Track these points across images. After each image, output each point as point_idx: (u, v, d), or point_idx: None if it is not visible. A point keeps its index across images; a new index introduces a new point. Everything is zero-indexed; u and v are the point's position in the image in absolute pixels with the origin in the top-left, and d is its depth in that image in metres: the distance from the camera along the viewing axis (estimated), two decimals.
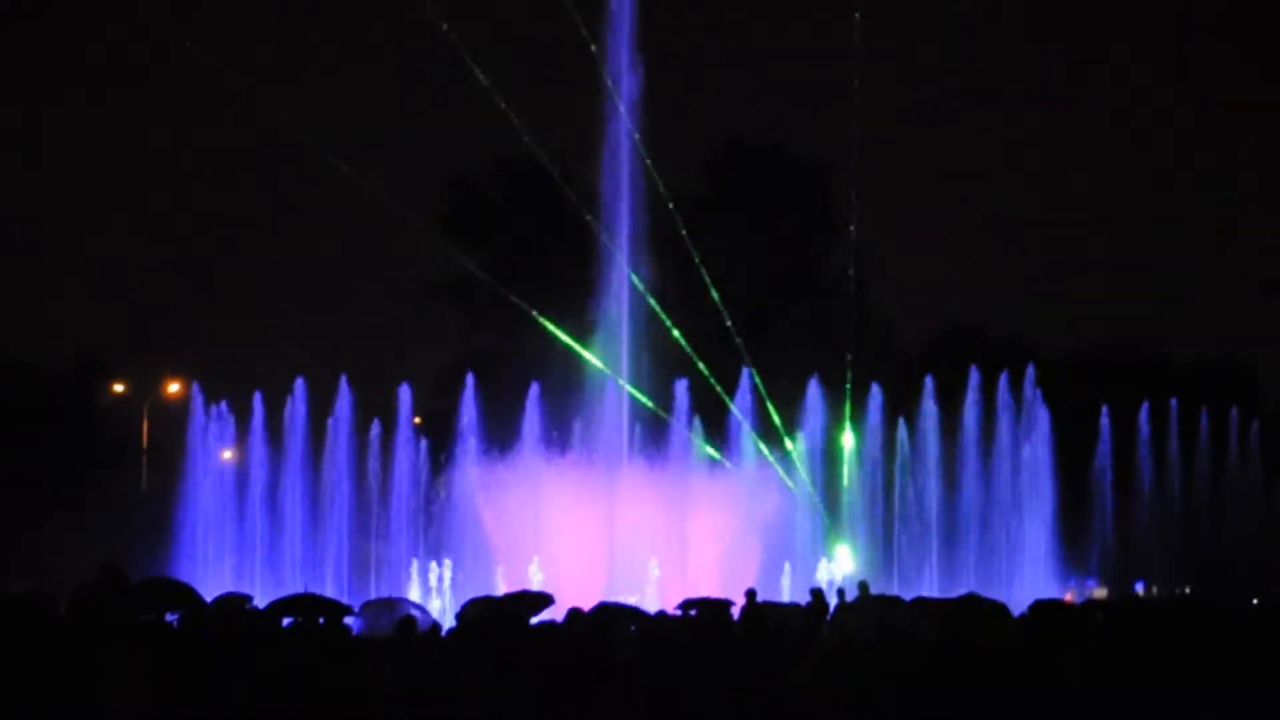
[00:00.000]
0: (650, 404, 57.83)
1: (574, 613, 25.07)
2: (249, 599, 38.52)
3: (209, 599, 35.30)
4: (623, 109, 58.45)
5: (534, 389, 57.64)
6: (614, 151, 59.01)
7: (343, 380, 59.09)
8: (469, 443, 57.82)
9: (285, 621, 30.83)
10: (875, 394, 63.68)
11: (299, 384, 59.18)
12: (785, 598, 48.43)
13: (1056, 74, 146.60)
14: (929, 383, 63.14)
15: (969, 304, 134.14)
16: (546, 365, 61.32)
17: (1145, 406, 69.06)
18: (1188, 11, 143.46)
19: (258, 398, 59.55)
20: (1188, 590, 64.30)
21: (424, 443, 58.81)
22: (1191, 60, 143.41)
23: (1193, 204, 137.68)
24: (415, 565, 56.03)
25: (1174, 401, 69.84)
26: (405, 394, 59.51)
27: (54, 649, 22.57)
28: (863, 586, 38.59)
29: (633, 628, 28.13)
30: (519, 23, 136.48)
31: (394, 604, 43.14)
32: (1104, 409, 67.48)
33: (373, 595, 51.80)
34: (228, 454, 60.80)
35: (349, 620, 35.06)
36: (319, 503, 59.08)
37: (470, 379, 59.69)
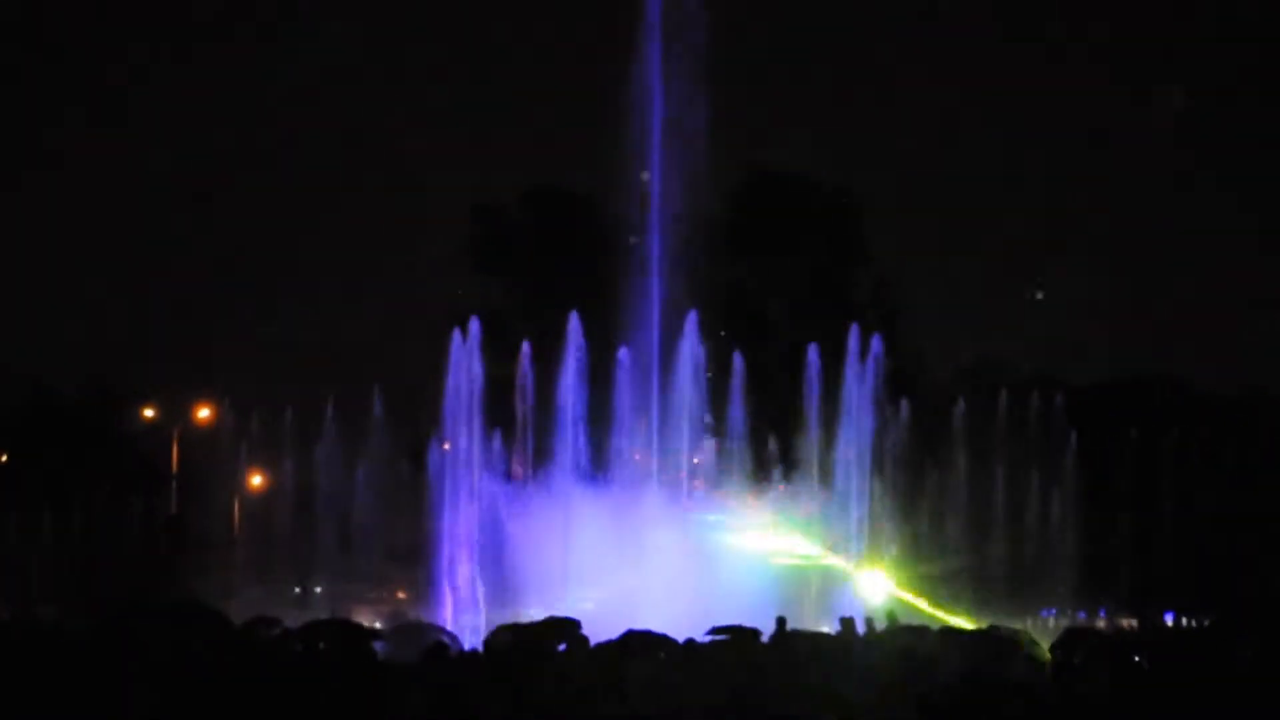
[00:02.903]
0: None
1: (602, 644, 25.19)
2: (278, 623, 38.60)
3: (238, 623, 35.39)
4: (653, 136, 58.65)
5: (563, 415, 57.72)
6: (641, 180, 59.14)
7: (376, 403, 59.33)
8: (498, 469, 57.97)
9: (313, 646, 30.94)
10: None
11: (329, 410, 59.43)
12: (813, 627, 48.35)
13: (1083, 104, 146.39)
14: (959, 411, 63.16)
15: (995, 338, 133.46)
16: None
17: (1171, 437, 68.80)
18: (1213, 53, 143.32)
19: (288, 423, 59.77)
20: (1213, 621, 63.93)
21: (453, 468, 58.82)
22: (1216, 92, 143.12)
23: (1224, 236, 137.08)
24: (446, 589, 56.15)
25: (1200, 431, 69.51)
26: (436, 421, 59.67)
27: (82, 671, 22.74)
28: (890, 615, 38.62)
29: (661, 654, 28.21)
30: (544, 51, 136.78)
31: (423, 628, 43.23)
32: (1130, 435, 67.37)
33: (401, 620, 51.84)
34: (257, 478, 60.99)
35: (376, 645, 35.11)
36: (348, 526, 59.21)
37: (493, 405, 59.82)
